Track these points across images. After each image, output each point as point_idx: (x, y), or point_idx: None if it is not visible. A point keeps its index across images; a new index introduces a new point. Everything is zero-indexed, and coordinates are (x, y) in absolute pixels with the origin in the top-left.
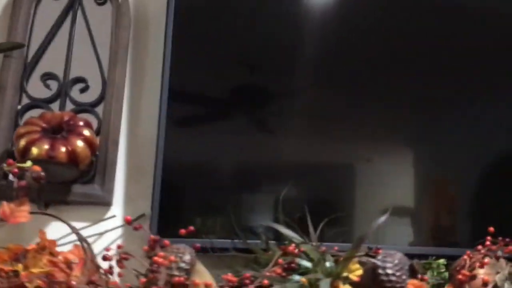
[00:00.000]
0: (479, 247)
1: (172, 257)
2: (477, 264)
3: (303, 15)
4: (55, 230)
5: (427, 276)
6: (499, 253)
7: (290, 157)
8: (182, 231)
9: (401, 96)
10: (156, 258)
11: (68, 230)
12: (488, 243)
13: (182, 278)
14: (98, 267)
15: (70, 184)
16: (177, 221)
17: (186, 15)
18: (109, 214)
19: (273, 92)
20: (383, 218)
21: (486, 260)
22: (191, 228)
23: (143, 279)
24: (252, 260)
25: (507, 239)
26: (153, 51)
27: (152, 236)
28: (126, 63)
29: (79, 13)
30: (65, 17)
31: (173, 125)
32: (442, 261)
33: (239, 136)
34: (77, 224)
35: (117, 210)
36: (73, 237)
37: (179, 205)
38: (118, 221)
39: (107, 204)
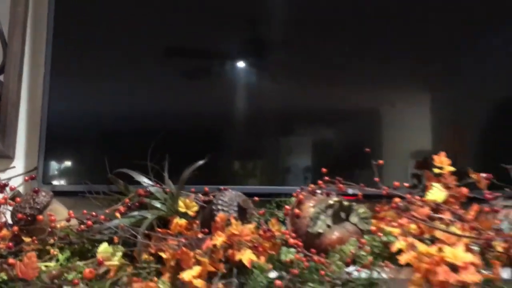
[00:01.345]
0: (311, 185)
1: (19, 199)
2: (296, 200)
3: None
4: None
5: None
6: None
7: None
8: (26, 178)
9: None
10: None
11: None
12: (320, 182)
13: (22, 215)
14: None
15: None
16: (60, 170)
17: None
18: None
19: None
20: (201, 162)
21: (301, 196)
22: (33, 176)
23: None
24: (115, 201)
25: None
26: None
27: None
28: (23, 35)
29: None
30: None
31: (58, 80)
32: None
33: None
34: None
35: (19, 162)
36: None
37: (62, 156)
38: (19, 171)
39: (8, 157)
